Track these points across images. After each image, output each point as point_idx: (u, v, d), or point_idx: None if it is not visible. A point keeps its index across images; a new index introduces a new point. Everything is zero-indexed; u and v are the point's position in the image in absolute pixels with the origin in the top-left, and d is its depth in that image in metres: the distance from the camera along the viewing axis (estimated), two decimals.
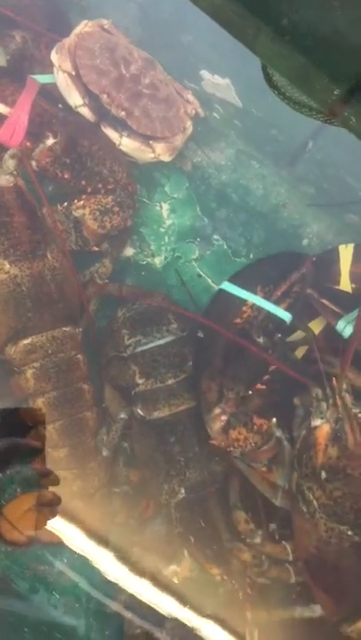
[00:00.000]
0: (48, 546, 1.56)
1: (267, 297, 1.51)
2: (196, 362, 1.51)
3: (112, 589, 1.53)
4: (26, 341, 1.49)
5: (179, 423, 1.52)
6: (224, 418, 1.39)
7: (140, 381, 1.53)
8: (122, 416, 1.57)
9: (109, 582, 1.54)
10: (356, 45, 1.27)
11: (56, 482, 1.11)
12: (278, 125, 1.63)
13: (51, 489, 1.53)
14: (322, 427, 1.37)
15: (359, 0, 1.19)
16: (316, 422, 1.38)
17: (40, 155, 1.57)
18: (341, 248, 1.68)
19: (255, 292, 1.51)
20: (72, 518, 1.55)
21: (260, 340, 1.48)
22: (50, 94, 1.65)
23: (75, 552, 1.58)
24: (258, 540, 1.40)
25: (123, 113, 1.62)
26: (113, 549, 1.55)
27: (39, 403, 1.50)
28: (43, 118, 1.59)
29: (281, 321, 1.51)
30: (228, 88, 1.63)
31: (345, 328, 1.55)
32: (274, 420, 1.43)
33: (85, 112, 1.66)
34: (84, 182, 1.60)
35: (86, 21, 1.65)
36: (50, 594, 1.56)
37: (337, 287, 1.60)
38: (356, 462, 1.34)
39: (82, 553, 1.57)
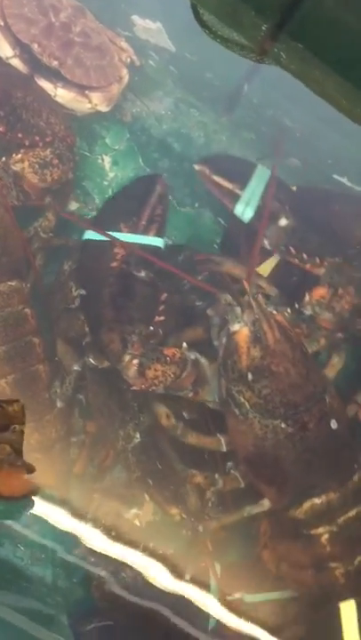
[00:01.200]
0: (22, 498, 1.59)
1: (133, 231, 1.51)
2: (88, 320, 1.51)
3: (74, 539, 1.57)
4: None
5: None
6: (135, 362, 1.39)
7: (88, 331, 1.54)
8: (75, 368, 1.57)
9: (72, 532, 1.58)
10: None
11: None
12: (213, 69, 1.63)
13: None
14: (241, 330, 1.41)
15: None
16: (235, 327, 1.41)
17: None
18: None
19: (120, 230, 1.52)
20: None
21: (142, 273, 1.49)
22: None
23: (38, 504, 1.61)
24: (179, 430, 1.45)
25: (55, 62, 1.60)
26: (74, 498, 1.59)
27: None
28: None
29: (156, 248, 1.53)
30: (160, 32, 1.62)
31: (245, 211, 1.56)
32: (184, 344, 1.44)
33: (17, 63, 1.63)
34: (20, 135, 1.58)
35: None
36: (15, 547, 1.58)
37: None
38: (279, 358, 1.39)
39: (45, 504, 1.60)
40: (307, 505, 1.40)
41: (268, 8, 1.37)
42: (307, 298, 1.55)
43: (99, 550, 1.55)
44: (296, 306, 1.53)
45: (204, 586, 1.50)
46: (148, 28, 1.62)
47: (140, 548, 1.52)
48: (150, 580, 1.46)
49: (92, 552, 1.55)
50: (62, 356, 1.60)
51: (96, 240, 1.53)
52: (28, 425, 1.55)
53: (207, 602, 1.48)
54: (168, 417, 1.45)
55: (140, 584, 1.47)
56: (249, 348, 1.40)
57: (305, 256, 1.57)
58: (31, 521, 1.60)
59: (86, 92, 1.65)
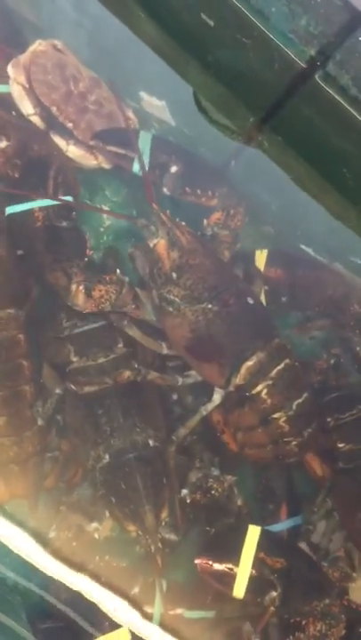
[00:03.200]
0: None
1: (43, 196, 1.79)
2: (27, 267, 1.79)
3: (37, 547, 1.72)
4: None
5: (106, 397, 1.72)
6: (81, 287, 1.68)
7: (74, 359, 1.74)
8: (57, 391, 1.76)
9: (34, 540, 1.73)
10: (267, 81, 1.54)
11: None
12: (206, 144, 1.87)
13: None
14: (159, 242, 1.73)
15: (267, 44, 1.45)
16: (153, 241, 1.73)
17: None
18: (257, 252, 1.95)
19: (34, 199, 1.78)
20: (6, 481, 1.74)
21: (64, 223, 1.79)
22: (4, 102, 1.84)
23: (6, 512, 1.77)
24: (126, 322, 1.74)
25: (70, 124, 1.84)
26: (42, 509, 1.75)
27: None
28: None
29: (70, 202, 1.82)
30: (163, 109, 1.87)
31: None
32: (117, 270, 1.77)
33: (36, 120, 1.87)
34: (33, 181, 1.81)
35: (40, 40, 1.86)
36: None
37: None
38: (194, 254, 1.72)
39: (13, 513, 1.76)
40: (243, 369, 1.66)
41: (255, 105, 1.63)
42: (205, 222, 1.89)
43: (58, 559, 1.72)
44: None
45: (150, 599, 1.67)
46: (154, 104, 1.86)
47: (97, 559, 1.69)
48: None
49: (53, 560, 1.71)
50: (46, 379, 1.79)
51: (18, 212, 1.78)
52: (8, 438, 1.74)
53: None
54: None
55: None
56: (168, 252, 1.71)
57: (199, 192, 1.88)
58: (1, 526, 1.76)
59: (94, 150, 1.89)
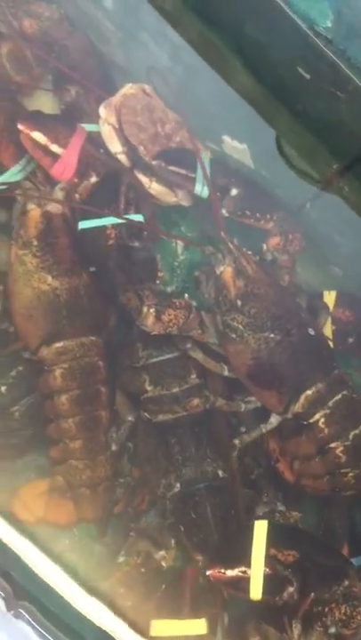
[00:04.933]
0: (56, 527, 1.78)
1: (116, 214, 1.84)
2: (103, 291, 1.83)
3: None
4: (58, 345, 1.74)
5: (179, 426, 1.77)
6: (152, 310, 1.73)
7: (148, 388, 1.79)
8: (130, 418, 1.81)
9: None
10: (356, 132, 1.61)
11: None
12: (283, 186, 1.95)
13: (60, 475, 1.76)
14: (225, 270, 1.79)
15: (360, 97, 1.53)
16: (220, 269, 1.79)
17: (83, 190, 1.86)
18: (326, 293, 2.00)
19: (106, 216, 1.83)
20: (77, 504, 1.78)
21: (136, 243, 1.85)
22: (94, 140, 1.95)
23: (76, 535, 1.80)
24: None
25: (155, 163, 1.93)
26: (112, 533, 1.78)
27: (63, 399, 1.74)
28: (88, 160, 1.89)
29: (140, 222, 1.88)
30: (244, 152, 1.95)
31: (203, 190, 1.88)
32: (186, 295, 1.85)
33: (123, 158, 1.96)
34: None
35: (131, 84, 1.97)
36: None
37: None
38: (259, 283, 1.79)
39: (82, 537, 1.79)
40: (302, 397, 1.72)
41: (341, 152, 1.70)
42: (265, 247, 1.96)
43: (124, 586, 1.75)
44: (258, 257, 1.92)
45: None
46: (235, 147, 1.95)
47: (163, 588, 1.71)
48: None
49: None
50: (120, 406, 1.85)
51: (90, 228, 1.82)
52: (82, 462, 1.79)
53: None
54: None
55: None
56: (234, 280, 1.77)
57: (258, 215, 1.95)
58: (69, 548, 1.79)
59: (175, 188, 1.97)
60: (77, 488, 1.78)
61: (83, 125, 1.92)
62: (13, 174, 1.84)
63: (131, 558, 1.73)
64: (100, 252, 1.84)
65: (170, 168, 1.91)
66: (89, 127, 1.93)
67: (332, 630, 1.56)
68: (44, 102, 1.93)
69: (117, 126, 1.94)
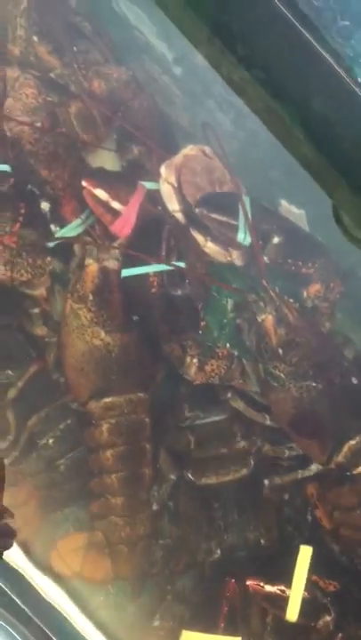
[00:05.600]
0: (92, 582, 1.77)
1: (158, 261, 1.83)
2: (147, 341, 1.82)
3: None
4: (107, 400, 1.75)
5: (223, 491, 1.76)
6: (195, 361, 1.74)
7: (194, 449, 1.79)
8: (172, 477, 1.81)
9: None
10: None
11: None
12: (337, 251, 1.96)
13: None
14: (267, 317, 1.79)
15: None
16: (262, 317, 1.79)
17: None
18: None
19: (149, 263, 1.82)
20: (114, 561, 1.77)
21: (179, 292, 1.83)
22: (153, 198, 1.98)
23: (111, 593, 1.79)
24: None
25: (197, 210, 1.95)
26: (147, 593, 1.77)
27: (108, 454, 1.75)
28: (146, 217, 1.92)
29: (181, 268, 1.86)
30: (301, 217, 1.97)
31: (245, 238, 1.86)
32: (227, 344, 1.82)
33: (180, 217, 1.99)
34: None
35: (192, 146, 2.01)
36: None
37: None
38: (300, 332, 1.78)
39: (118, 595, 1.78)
40: (345, 448, 1.69)
41: None
42: (305, 294, 1.93)
43: None
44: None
45: None
46: (292, 211, 1.97)
47: None
48: None
49: None
50: (163, 464, 1.84)
51: (133, 275, 1.82)
52: (123, 518, 1.78)
53: None
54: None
55: None
56: (276, 329, 1.77)
57: (300, 263, 1.93)
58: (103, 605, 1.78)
59: (229, 248, 1.99)
60: (116, 545, 1.77)
61: (143, 183, 1.97)
62: (73, 228, 1.88)
63: (166, 622, 1.71)
64: (144, 301, 1.84)
65: (212, 216, 1.91)
66: (149, 185, 1.97)
67: None
68: (107, 159, 1.98)
69: (176, 185, 1.98)
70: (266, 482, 1.76)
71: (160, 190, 1.99)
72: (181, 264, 1.89)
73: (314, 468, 1.76)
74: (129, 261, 1.84)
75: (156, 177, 1.97)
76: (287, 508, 1.84)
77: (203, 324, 1.92)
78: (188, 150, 2.03)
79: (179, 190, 2.01)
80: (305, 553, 1.61)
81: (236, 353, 1.81)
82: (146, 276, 1.84)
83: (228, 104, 1.94)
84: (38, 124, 1.85)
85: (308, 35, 1.51)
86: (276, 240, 1.93)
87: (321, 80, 1.58)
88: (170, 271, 1.84)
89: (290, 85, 1.68)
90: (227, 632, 1.62)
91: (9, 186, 1.81)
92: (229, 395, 1.80)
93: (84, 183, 1.85)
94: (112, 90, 1.99)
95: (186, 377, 1.76)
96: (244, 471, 1.77)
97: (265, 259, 1.94)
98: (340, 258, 1.95)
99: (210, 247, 2.02)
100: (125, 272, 1.84)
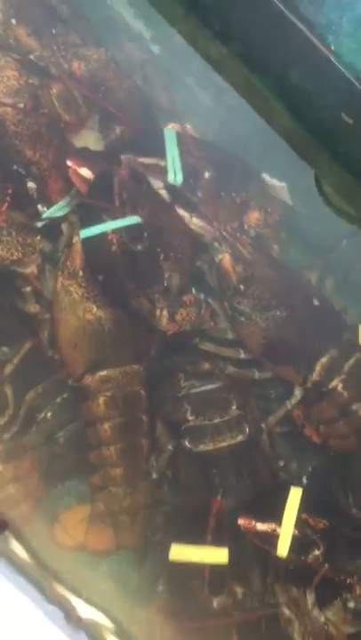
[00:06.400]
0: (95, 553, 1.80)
1: (114, 217, 1.83)
2: (116, 295, 1.83)
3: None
4: (102, 373, 1.78)
5: (220, 457, 1.80)
6: (165, 312, 1.79)
7: (190, 418, 1.82)
8: (170, 447, 1.84)
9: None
10: None
11: None
12: (320, 223, 2.01)
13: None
14: (223, 256, 1.87)
15: None
16: (219, 257, 1.87)
17: None
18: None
19: (104, 221, 1.82)
20: (116, 530, 1.80)
21: (139, 247, 1.83)
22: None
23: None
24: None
25: (196, 199, 2.00)
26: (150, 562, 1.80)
27: (105, 426, 1.78)
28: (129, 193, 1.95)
29: (137, 225, 1.83)
30: (282, 189, 2.02)
31: (176, 178, 1.91)
32: (193, 289, 1.89)
33: (163, 193, 2.03)
34: (158, 249, 1.94)
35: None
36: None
37: None
38: (257, 265, 1.88)
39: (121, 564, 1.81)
40: (318, 367, 1.81)
41: None
42: (246, 225, 2.01)
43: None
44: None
45: None
46: (274, 184, 2.02)
47: None
48: None
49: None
50: (160, 434, 1.88)
51: (91, 236, 1.81)
52: (122, 489, 1.81)
53: None
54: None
55: None
56: (233, 266, 1.84)
57: (233, 194, 1.99)
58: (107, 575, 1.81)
59: (214, 223, 2.04)
60: (117, 515, 1.80)
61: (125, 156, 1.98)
62: (60, 208, 1.91)
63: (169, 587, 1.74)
64: (106, 259, 1.85)
65: (140, 161, 1.94)
66: (132, 164, 2.00)
67: (351, 605, 1.62)
68: (90, 139, 2.01)
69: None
70: (263, 425, 1.83)
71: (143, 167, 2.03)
72: (135, 219, 1.85)
73: (298, 393, 1.85)
74: (89, 223, 1.81)
75: (137, 155, 2.01)
76: (283, 473, 1.89)
77: (166, 276, 1.88)
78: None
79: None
80: (295, 494, 1.67)
81: (202, 296, 1.87)
82: (104, 235, 1.82)
83: (207, 80, 1.98)
84: (21, 106, 1.87)
85: (280, 5, 1.57)
86: (207, 175, 1.98)
87: (296, 49, 1.64)
88: (127, 227, 1.83)
89: (266, 57, 1.73)
90: None
91: None
92: (197, 339, 1.86)
93: (68, 162, 1.87)
94: (92, 71, 2.01)
95: (160, 329, 1.80)
96: (240, 437, 1.81)
97: (199, 194, 1.98)
98: (327, 231, 2.01)
99: (195, 223, 2.06)
100: (84, 233, 1.84)
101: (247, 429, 1.82)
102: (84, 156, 1.94)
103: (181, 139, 1.92)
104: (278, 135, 1.84)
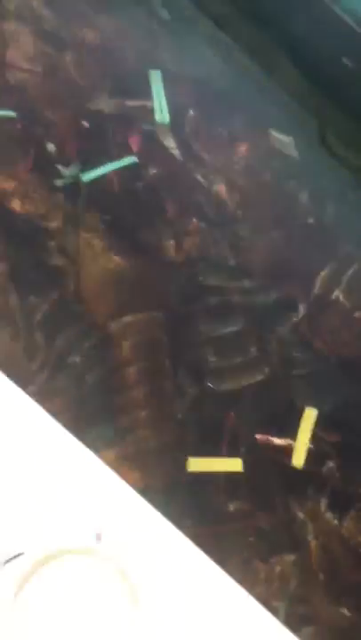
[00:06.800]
0: None
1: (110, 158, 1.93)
2: (126, 235, 1.92)
3: None
4: (125, 319, 1.87)
5: (242, 395, 1.89)
6: (172, 242, 1.92)
7: (212, 359, 1.91)
8: (192, 389, 1.92)
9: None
10: None
11: None
12: (326, 175, 2.10)
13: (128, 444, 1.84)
14: (218, 187, 2.00)
15: None
16: (214, 187, 1.97)
17: None
18: None
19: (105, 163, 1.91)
20: (142, 471, 1.87)
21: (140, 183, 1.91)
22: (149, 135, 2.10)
23: None
24: None
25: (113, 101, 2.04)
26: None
27: (130, 371, 1.86)
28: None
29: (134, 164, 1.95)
30: (290, 144, 2.10)
31: (162, 116, 1.99)
32: (194, 219, 1.96)
33: (176, 153, 2.11)
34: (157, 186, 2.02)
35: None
36: None
37: None
38: (251, 191, 2.03)
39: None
40: (318, 280, 1.92)
41: None
42: (235, 157, 2.03)
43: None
44: None
45: None
46: (282, 139, 2.10)
47: None
48: None
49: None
50: (183, 377, 1.96)
51: (94, 179, 1.89)
52: (149, 431, 1.88)
53: None
54: None
55: None
56: (229, 195, 1.91)
57: (220, 129, 2.02)
58: None
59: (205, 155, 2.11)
60: (144, 457, 1.87)
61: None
62: (77, 167, 2.00)
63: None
64: (110, 201, 1.94)
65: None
66: (146, 125, 2.09)
67: None
68: (105, 104, 2.10)
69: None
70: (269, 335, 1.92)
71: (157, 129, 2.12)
72: (132, 159, 1.95)
73: (302, 308, 1.93)
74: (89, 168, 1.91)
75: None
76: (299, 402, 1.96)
77: (168, 207, 1.97)
78: None
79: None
80: (309, 414, 1.76)
81: (203, 225, 1.95)
82: (105, 177, 1.91)
83: (216, 41, 2.08)
84: (39, 70, 1.97)
85: None
86: (191, 113, 2.04)
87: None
88: (126, 167, 1.93)
89: (272, 11, 1.83)
90: None
91: (17, 129, 1.93)
92: (201, 278, 1.93)
93: (85, 124, 1.98)
94: (103, 39, 2.11)
95: (168, 258, 1.88)
96: (261, 377, 1.90)
97: (187, 129, 2.04)
98: (332, 180, 2.09)
99: (185, 157, 2.12)
100: (86, 176, 1.92)
101: (266, 369, 1.91)
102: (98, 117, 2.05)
103: (169, 81, 2.02)
104: (284, 90, 1.93)
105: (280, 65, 1.87)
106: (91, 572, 1.25)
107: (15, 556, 1.20)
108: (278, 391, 1.87)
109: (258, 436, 1.72)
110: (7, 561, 1.20)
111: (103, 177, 1.89)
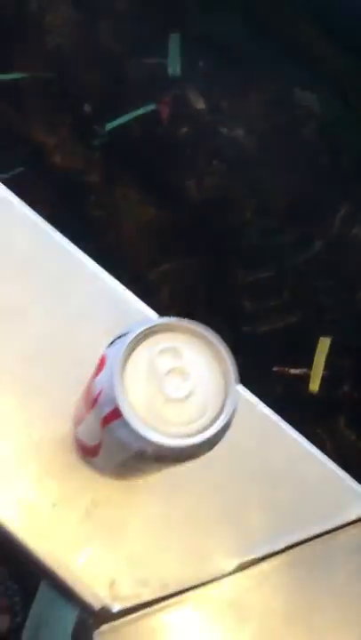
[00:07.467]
0: None
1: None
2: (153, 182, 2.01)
3: None
4: (163, 267, 1.96)
5: (275, 336, 1.97)
6: (193, 181, 2.03)
7: (247, 303, 1.99)
8: (228, 331, 2.00)
9: None
10: None
11: None
12: (348, 134, 2.18)
13: None
14: (235, 132, 2.07)
15: None
16: (231, 134, 2.06)
17: None
18: None
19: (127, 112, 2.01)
20: None
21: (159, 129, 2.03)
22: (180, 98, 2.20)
23: None
24: None
25: (197, 85, 2.17)
26: None
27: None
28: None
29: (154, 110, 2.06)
30: (314, 101, 2.18)
31: (175, 68, 2.08)
32: (214, 162, 2.05)
33: (205, 115, 2.21)
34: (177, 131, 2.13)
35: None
36: None
37: None
38: (267, 135, 2.10)
39: None
40: (337, 220, 2.01)
41: None
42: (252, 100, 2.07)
43: None
44: None
45: None
46: (306, 97, 2.19)
47: None
48: None
49: None
50: (220, 324, 2.04)
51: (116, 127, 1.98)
52: None
53: None
54: None
55: None
56: (246, 139, 1.99)
57: (234, 77, 2.08)
58: None
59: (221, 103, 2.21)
60: None
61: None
62: (112, 127, 2.10)
63: None
64: (133, 148, 2.02)
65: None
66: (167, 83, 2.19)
67: None
68: (136, 69, 2.20)
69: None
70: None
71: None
72: (152, 105, 2.05)
73: (317, 245, 2.02)
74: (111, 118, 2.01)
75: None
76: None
77: (188, 151, 2.05)
78: None
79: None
80: (323, 344, 1.85)
81: (224, 166, 2.04)
82: (128, 125, 2.00)
83: (240, 5, 2.17)
84: (74, 36, 2.07)
85: None
86: (201, 63, 2.10)
87: None
88: (145, 115, 2.03)
89: None
90: None
91: (56, 92, 2.03)
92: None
93: (115, 86, 2.08)
94: (133, 5, 2.22)
95: (189, 196, 1.96)
96: (294, 319, 1.98)
97: (210, 85, 2.09)
98: (356, 140, 2.17)
99: (202, 104, 2.22)
100: (109, 125, 2.02)
101: (299, 312, 1.99)
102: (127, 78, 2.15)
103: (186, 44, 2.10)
104: (307, 49, 2.02)
105: (300, 21, 1.95)
106: None
107: None
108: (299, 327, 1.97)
109: (276, 369, 1.81)
110: None
111: (127, 125, 1.99)
